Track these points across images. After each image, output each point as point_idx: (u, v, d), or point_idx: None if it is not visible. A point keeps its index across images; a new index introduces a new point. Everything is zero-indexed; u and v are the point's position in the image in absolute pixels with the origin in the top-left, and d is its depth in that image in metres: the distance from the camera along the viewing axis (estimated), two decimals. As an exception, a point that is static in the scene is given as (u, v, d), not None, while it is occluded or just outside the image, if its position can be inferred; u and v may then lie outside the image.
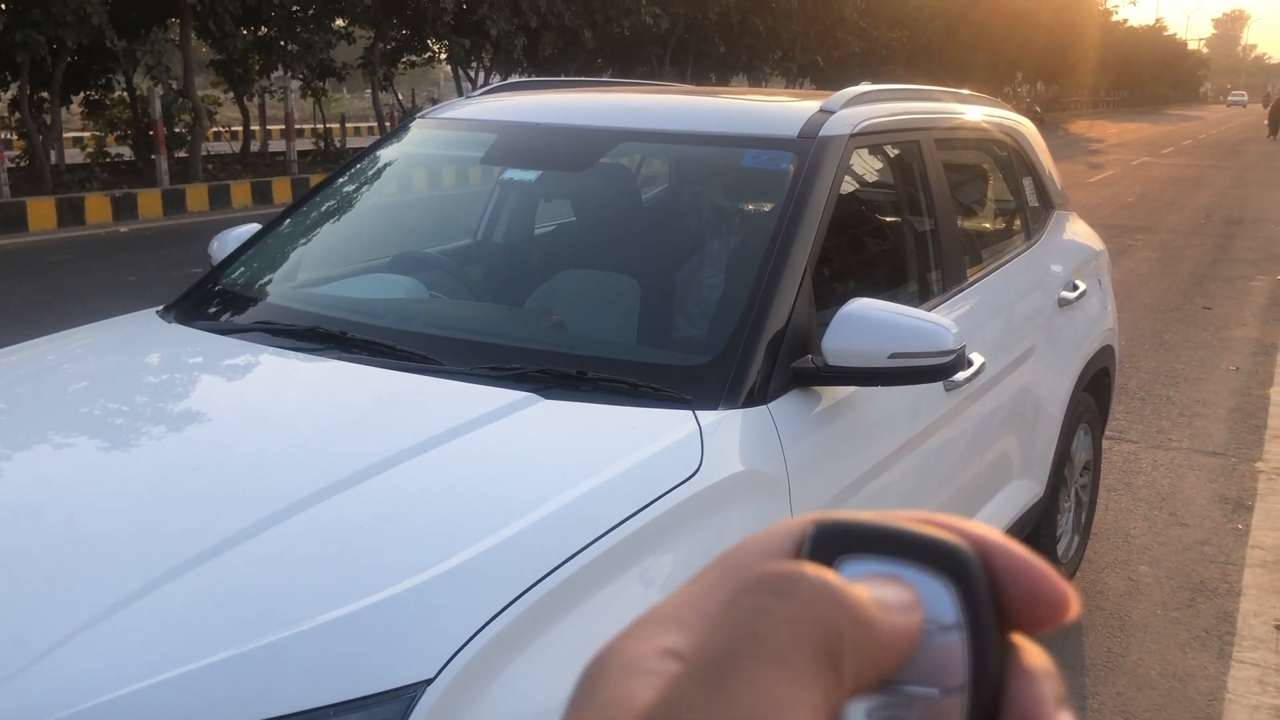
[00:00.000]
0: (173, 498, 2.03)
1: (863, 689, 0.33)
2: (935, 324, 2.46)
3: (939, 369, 2.44)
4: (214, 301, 3.05)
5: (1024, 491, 3.73)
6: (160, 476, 2.12)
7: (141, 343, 2.90)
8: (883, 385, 2.50)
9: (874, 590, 0.34)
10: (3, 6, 12.55)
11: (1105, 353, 4.43)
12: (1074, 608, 0.35)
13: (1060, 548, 4.15)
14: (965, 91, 4.17)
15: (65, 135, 16.74)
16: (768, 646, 0.31)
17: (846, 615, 0.32)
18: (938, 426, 3.02)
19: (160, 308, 3.08)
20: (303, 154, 18.71)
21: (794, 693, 0.30)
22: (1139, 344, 8.19)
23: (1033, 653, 0.35)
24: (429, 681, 1.59)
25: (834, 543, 0.35)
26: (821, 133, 2.88)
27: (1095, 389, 4.40)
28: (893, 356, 2.39)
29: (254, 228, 3.39)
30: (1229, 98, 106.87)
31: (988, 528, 0.36)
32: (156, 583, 1.74)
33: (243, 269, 3.19)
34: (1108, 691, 3.55)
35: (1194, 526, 4.87)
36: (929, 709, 0.34)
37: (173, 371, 2.76)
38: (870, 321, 2.42)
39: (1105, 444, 5.02)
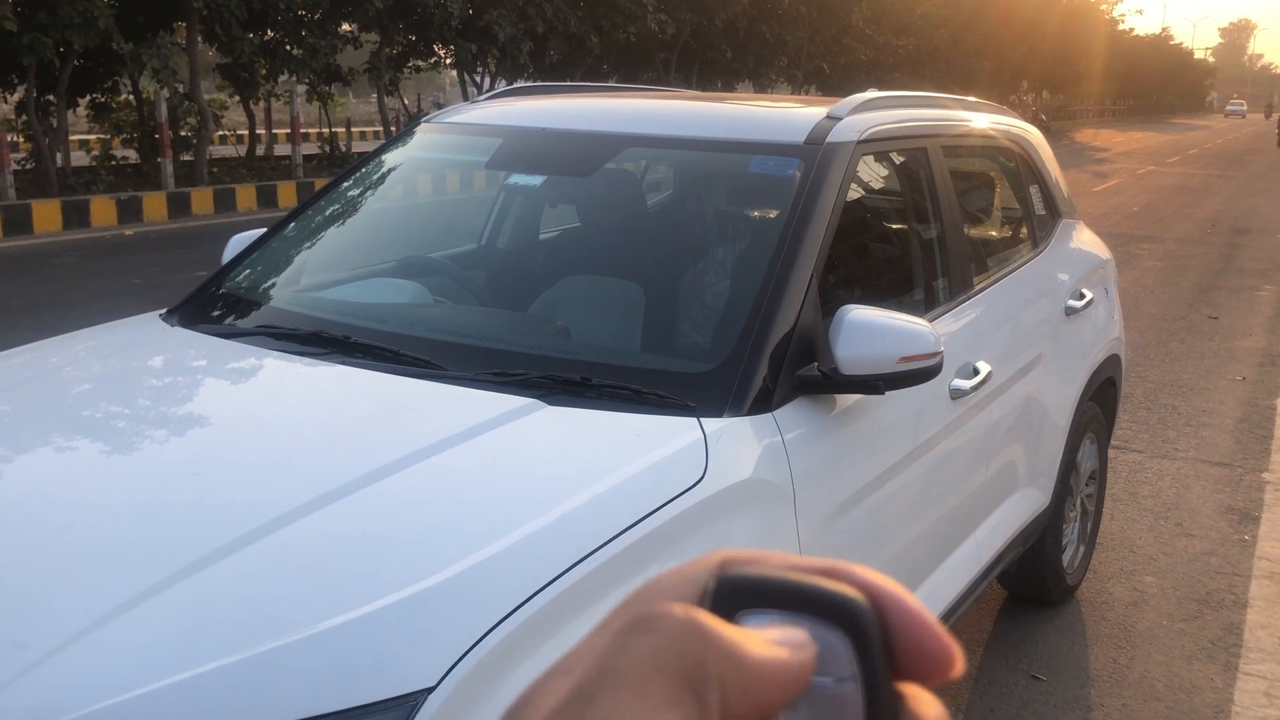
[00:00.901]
0: (174, 502, 2.02)
1: None
2: (922, 327, 2.50)
3: (931, 370, 2.47)
4: (217, 305, 3.04)
5: (1029, 501, 3.71)
6: (162, 481, 2.11)
7: (144, 346, 2.88)
8: (884, 392, 2.48)
9: (763, 630, 0.36)
10: (11, 9, 12.56)
11: (1112, 362, 4.41)
12: (959, 665, 0.37)
13: (1065, 557, 4.13)
14: (972, 99, 4.16)
15: (71, 138, 16.76)
16: (627, 676, 0.33)
17: (711, 648, 0.34)
18: (943, 435, 3.00)
19: (163, 311, 3.06)
20: (308, 158, 18.73)
21: (650, 718, 0.32)
22: (1144, 353, 8.17)
23: (924, 702, 0.36)
24: (430, 690, 1.57)
25: (734, 597, 0.36)
26: (828, 139, 2.86)
27: (1101, 398, 4.38)
28: (901, 361, 2.40)
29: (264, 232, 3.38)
30: (1227, 107, 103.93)
31: (886, 579, 0.37)
32: (157, 588, 1.73)
33: (247, 272, 3.18)
34: (1113, 703, 3.52)
35: (1200, 537, 4.85)
36: None
37: (175, 375, 2.75)
38: (876, 328, 2.42)
39: (1111, 454, 5.00)
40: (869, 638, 0.35)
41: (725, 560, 0.38)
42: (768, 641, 0.35)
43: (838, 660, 0.35)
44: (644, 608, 0.36)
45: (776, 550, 0.38)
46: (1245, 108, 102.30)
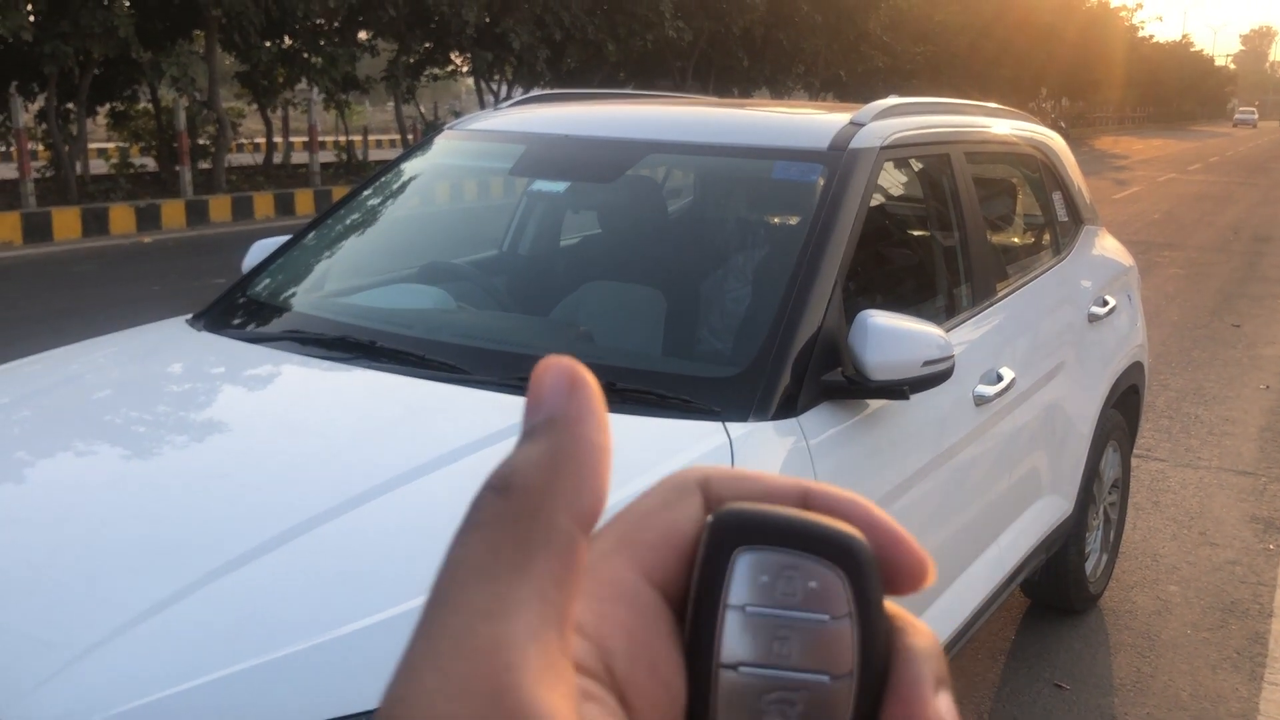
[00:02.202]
0: (204, 505, 2.03)
1: None
2: (933, 330, 2.52)
3: (945, 374, 2.49)
4: (243, 310, 3.06)
5: (1053, 508, 3.69)
6: (190, 483, 2.12)
7: (171, 350, 2.90)
8: (909, 397, 2.48)
9: None
10: (32, 19, 12.66)
11: (1135, 369, 4.39)
12: (931, 574, 0.37)
13: (1089, 566, 4.10)
14: (994, 105, 4.15)
15: (90, 146, 16.86)
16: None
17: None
18: (967, 442, 2.99)
19: (189, 316, 3.08)
20: (325, 166, 18.80)
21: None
22: (1167, 361, 8.12)
23: (917, 633, 0.37)
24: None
25: (733, 534, 0.36)
26: (852, 145, 2.86)
27: (1124, 406, 4.36)
28: (925, 365, 2.41)
29: (287, 239, 3.40)
30: (1235, 115, 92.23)
31: (854, 497, 0.38)
32: (189, 589, 1.74)
33: (271, 278, 3.19)
34: (1138, 713, 3.50)
35: (1224, 546, 4.81)
36: (820, 695, 0.36)
37: (203, 379, 2.77)
38: (899, 333, 2.43)
39: (1133, 462, 4.97)
40: (867, 576, 0.36)
41: (706, 478, 0.38)
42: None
43: (834, 598, 0.36)
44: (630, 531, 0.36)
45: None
46: (1257, 116, 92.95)
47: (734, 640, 0.36)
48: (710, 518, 0.37)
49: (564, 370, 0.34)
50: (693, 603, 0.36)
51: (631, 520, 0.37)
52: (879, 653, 0.36)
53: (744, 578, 0.36)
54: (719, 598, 0.36)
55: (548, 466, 0.33)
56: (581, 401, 0.34)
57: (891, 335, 2.41)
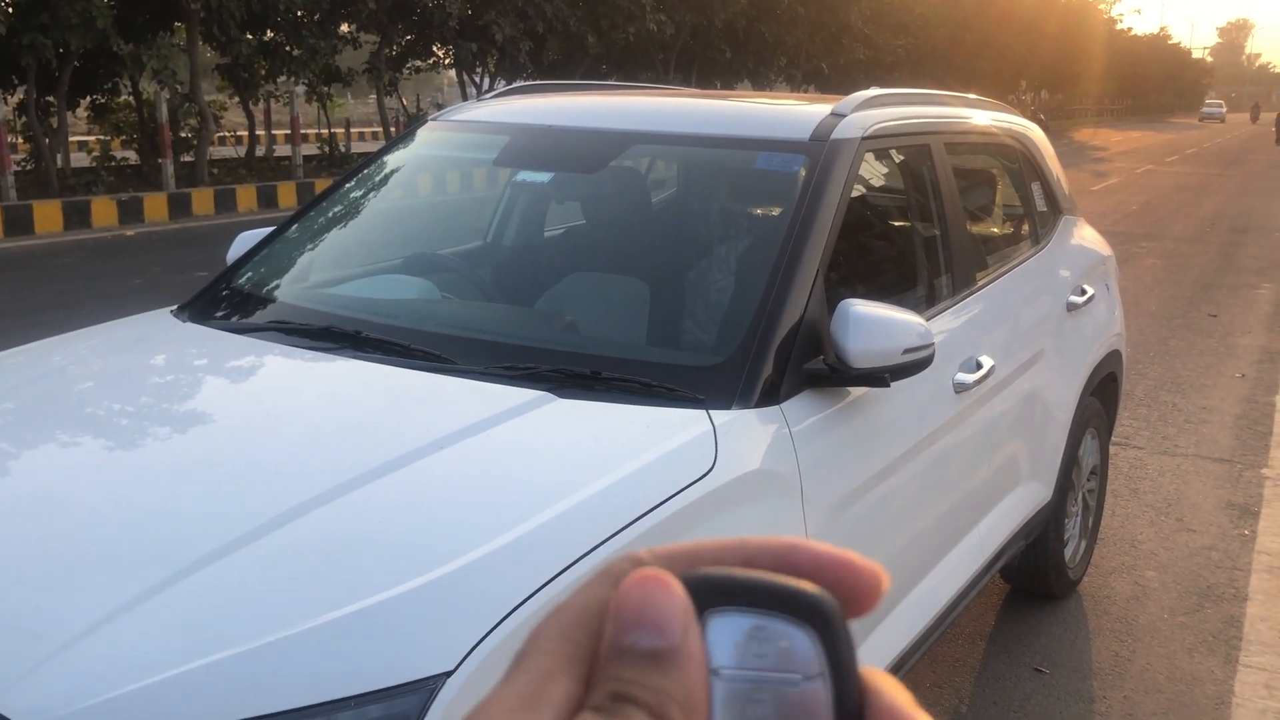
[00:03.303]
0: (192, 493, 2.05)
1: None
2: (914, 318, 2.56)
3: (926, 361, 2.53)
4: (228, 301, 3.07)
5: (1032, 495, 3.74)
6: (178, 473, 2.14)
7: (156, 342, 2.91)
8: (889, 384, 2.51)
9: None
10: (9, 10, 12.58)
11: (1113, 358, 4.44)
12: (885, 580, 0.38)
13: (1068, 552, 4.15)
14: (974, 96, 4.19)
15: (71, 139, 16.76)
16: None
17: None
18: (947, 429, 3.03)
19: (174, 307, 3.09)
20: (308, 158, 18.74)
21: None
22: (1144, 351, 8.20)
23: (891, 689, 0.37)
24: (448, 674, 1.60)
25: (700, 598, 0.36)
26: (833, 136, 2.89)
27: (1103, 394, 4.41)
28: (905, 353, 2.44)
29: (272, 231, 3.41)
30: (1202, 109, 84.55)
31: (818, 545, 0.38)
32: (176, 576, 1.75)
33: (256, 270, 3.20)
34: (1115, 696, 3.55)
35: (1201, 532, 4.88)
36: None
37: (189, 370, 2.78)
38: (880, 321, 2.46)
39: (1111, 450, 5.03)
40: (838, 633, 0.36)
41: (633, 556, 0.39)
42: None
43: (805, 658, 0.36)
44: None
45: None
46: (1225, 109, 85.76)
47: (711, 705, 0.36)
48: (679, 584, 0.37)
49: (679, 601, 0.36)
50: None
51: (562, 631, 0.37)
52: (853, 710, 0.36)
53: (715, 641, 0.36)
54: None
55: (692, 709, 0.35)
56: (696, 635, 0.36)
57: (872, 324, 2.44)
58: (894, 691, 0.37)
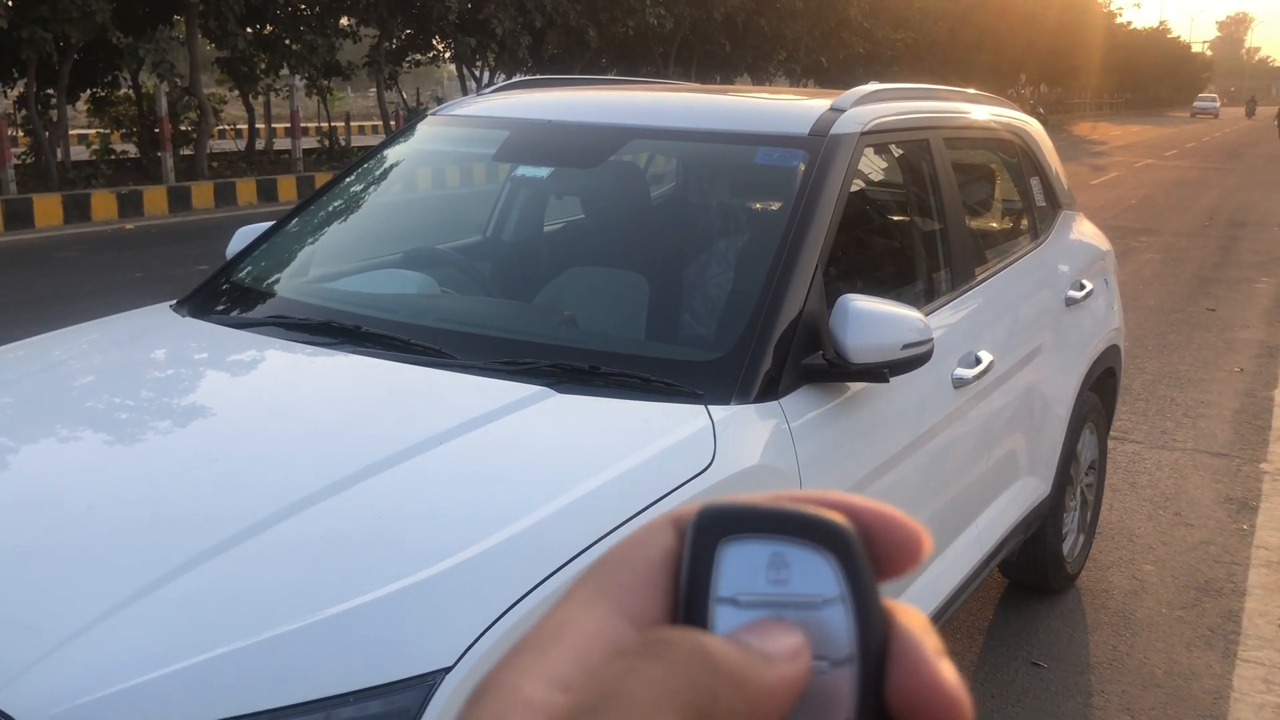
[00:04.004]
0: (191, 488, 2.05)
1: None
2: (913, 313, 2.56)
3: (925, 357, 2.52)
4: (228, 296, 3.07)
5: (1030, 490, 3.74)
6: (179, 467, 2.14)
7: (157, 336, 2.91)
8: (889, 379, 2.52)
9: (758, 640, 0.35)
10: (9, 3, 12.56)
11: (1111, 352, 4.44)
12: (927, 545, 0.37)
13: (1066, 546, 4.16)
14: (973, 91, 4.19)
15: (71, 132, 16.75)
16: (634, 704, 0.32)
17: (722, 677, 0.33)
18: (946, 424, 3.04)
19: (174, 301, 3.09)
20: (308, 152, 18.71)
21: None
22: (1143, 345, 8.20)
23: (908, 614, 0.37)
24: (448, 670, 1.61)
25: (717, 526, 0.36)
26: (833, 131, 2.89)
27: (1101, 388, 4.41)
28: (904, 348, 2.44)
29: (272, 225, 3.41)
30: (1194, 103, 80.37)
31: (852, 497, 0.38)
32: (176, 571, 1.76)
33: (256, 264, 3.21)
34: (1113, 690, 3.56)
35: (1199, 526, 4.88)
36: (819, 682, 0.35)
37: (189, 364, 2.78)
38: (879, 316, 2.46)
39: (1110, 444, 5.03)
40: (857, 559, 0.36)
41: (677, 514, 0.38)
42: (768, 657, 0.34)
43: (824, 582, 0.36)
44: (650, 632, 0.35)
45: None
46: (1219, 104, 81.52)
47: (726, 632, 0.35)
48: (694, 514, 0.37)
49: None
50: (682, 601, 0.36)
51: (607, 568, 0.37)
52: (876, 634, 0.36)
53: (731, 569, 0.36)
54: (708, 592, 0.36)
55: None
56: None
57: (872, 319, 2.45)
58: (921, 633, 0.36)
